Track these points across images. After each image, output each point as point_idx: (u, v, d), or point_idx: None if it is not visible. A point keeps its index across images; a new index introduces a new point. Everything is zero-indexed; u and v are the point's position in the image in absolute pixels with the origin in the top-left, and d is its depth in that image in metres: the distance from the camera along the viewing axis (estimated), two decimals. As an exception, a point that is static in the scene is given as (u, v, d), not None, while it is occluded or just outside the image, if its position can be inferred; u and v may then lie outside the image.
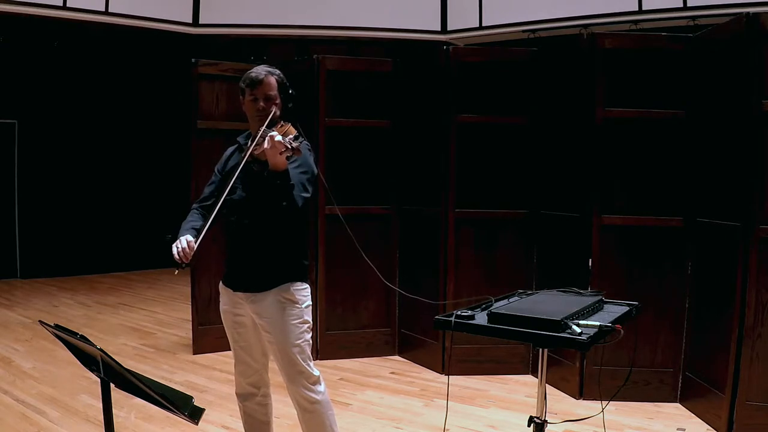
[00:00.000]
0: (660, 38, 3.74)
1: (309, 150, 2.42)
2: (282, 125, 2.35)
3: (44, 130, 8.21)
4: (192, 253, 2.24)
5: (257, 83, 2.37)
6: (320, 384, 2.49)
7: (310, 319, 2.49)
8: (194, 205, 2.54)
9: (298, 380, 2.44)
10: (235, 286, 2.46)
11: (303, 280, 2.47)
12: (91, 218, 8.59)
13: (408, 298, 4.58)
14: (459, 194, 4.26)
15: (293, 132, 2.31)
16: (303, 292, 2.45)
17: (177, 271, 2.28)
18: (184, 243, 2.25)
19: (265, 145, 2.10)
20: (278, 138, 2.09)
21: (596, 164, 3.74)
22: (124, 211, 8.87)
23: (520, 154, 4.27)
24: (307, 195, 2.32)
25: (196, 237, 2.29)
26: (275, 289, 2.38)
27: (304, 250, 2.51)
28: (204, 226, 2.31)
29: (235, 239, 2.47)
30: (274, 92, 2.38)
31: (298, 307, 2.41)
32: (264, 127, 2.28)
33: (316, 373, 2.49)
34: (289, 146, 2.08)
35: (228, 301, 2.51)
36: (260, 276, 2.40)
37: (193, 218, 2.46)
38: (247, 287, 2.42)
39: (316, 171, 2.41)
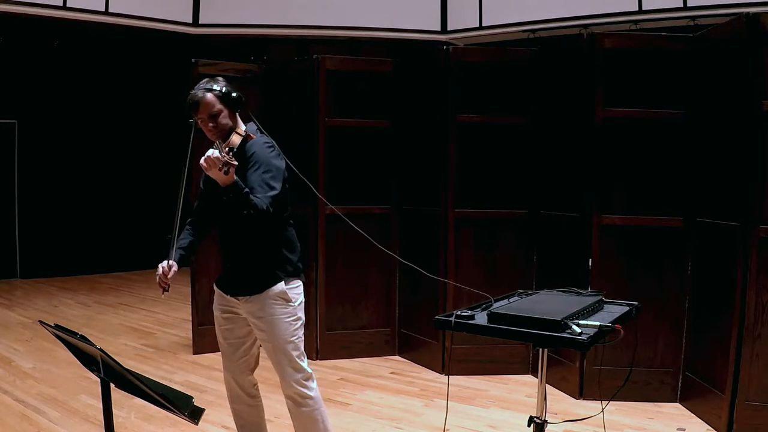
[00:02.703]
0: (660, 38, 3.74)
1: (269, 147, 2.41)
2: (233, 135, 2.37)
3: (44, 130, 8.21)
4: (168, 278, 2.34)
5: (195, 107, 2.38)
6: (313, 380, 2.54)
7: (302, 316, 2.52)
8: (188, 220, 2.63)
9: (291, 375, 2.47)
10: (227, 290, 2.52)
11: (293, 276, 2.48)
12: (92, 218, 8.59)
13: (408, 298, 4.61)
14: (459, 194, 4.26)
15: (235, 142, 2.33)
16: (295, 290, 2.47)
17: (163, 295, 2.39)
18: (160, 270, 2.34)
19: (203, 164, 2.15)
20: (215, 155, 2.13)
21: (596, 164, 3.74)
22: (124, 211, 8.87)
23: (520, 154, 4.27)
24: (274, 193, 2.30)
25: (178, 261, 2.42)
26: (266, 290, 2.41)
27: (291, 246, 2.51)
28: (174, 246, 2.43)
29: (222, 246, 2.54)
30: (216, 108, 2.37)
31: (291, 305, 2.45)
32: (218, 143, 2.31)
33: (309, 369, 2.53)
34: (222, 159, 2.11)
35: (221, 300, 2.57)
36: (250, 280, 2.44)
37: (183, 236, 2.55)
38: (240, 291, 2.47)
39: (280, 166, 2.39)
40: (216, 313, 2.59)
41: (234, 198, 2.20)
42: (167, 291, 2.36)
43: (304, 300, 2.54)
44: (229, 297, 2.51)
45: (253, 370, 2.63)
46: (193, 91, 2.41)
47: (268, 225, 2.36)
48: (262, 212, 2.23)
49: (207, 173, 2.20)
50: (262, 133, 2.51)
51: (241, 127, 2.46)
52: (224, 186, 2.18)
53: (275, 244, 2.45)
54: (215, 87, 2.40)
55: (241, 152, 2.37)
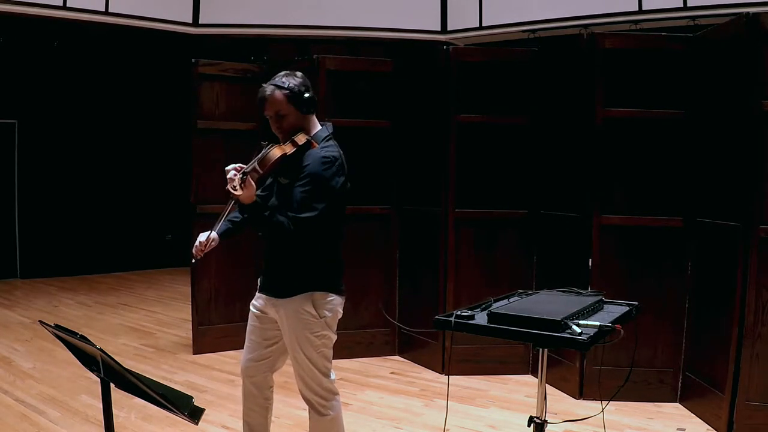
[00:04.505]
0: (660, 38, 3.74)
1: (324, 161, 2.26)
2: (273, 149, 2.27)
3: (44, 130, 8.20)
4: (203, 250, 2.38)
5: (262, 102, 2.32)
6: (334, 392, 2.46)
7: (329, 333, 2.40)
8: None
9: (310, 386, 2.42)
10: (261, 287, 2.48)
11: (328, 290, 2.36)
12: (91, 218, 8.59)
13: (408, 298, 4.60)
14: (459, 194, 4.26)
15: (275, 156, 2.23)
16: (326, 306, 2.36)
17: (193, 260, 2.42)
18: (203, 238, 2.37)
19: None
20: (229, 174, 2.14)
21: (596, 164, 3.74)
22: (124, 210, 8.87)
23: (520, 154, 4.27)
24: (309, 215, 2.20)
25: (222, 233, 2.42)
26: (295, 297, 2.33)
27: (329, 259, 2.39)
28: (223, 217, 2.39)
29: (267, 241, 2.46)
30: (283, 110, 2.29)
31: (315, 321, 2.34)
32: (287, 140, 2.31)
33: (333, 377, 2.45)
34: (231, 183, 2.11)
35: (258, 296, 2.51)
36: (281, 282, 2.37)
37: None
38: (269, 291, 2.42)
39: (331, 182, 2.26)
40: (251, 308, 2.52)
41: (250, 218, 2.20)
42: (197, 260, 2.41)
43: (339, 315, 2.42)
44: (262, 294, 2.46)
45: (273, 372, 2.57)
46: (263, 86, 2.32)
47: (311, 233, 2.29)
48: (282, 235, 2.19)
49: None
50: (327, 140, 2.37)
51: (309, 131, 2.36)
52: (242, 203, 2.17)
53: (312, 254, 2.33)
54: (287, 84, 2.28)
55: (298, 161, 2.28)
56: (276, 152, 2.24)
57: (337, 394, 2.48)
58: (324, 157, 2.28)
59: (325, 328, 2.38)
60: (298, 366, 2.40)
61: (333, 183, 2.28)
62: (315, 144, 2.33)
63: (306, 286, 2.34)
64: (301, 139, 2.30)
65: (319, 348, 2.38)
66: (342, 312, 2.45)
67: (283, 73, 2.35)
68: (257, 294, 2.51)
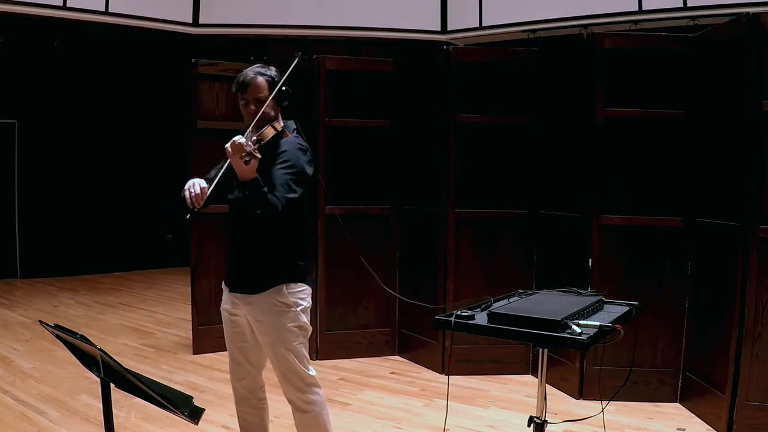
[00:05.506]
0: (660, 38, 3.74)
1: (300, 149, 2.36)
2: (267, 127, 2.33)
3: (44, 130, 8.21)
4: (204, 200, 2.21)
5: (245, 86, 2.36)
6: (316, 386, 2.48)
7: (306, 321, 2.44)
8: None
9: (293, 382, 2.43)
10: (231, 286, 2.47)
11: (299, 281, 2.41)
12: (91, 218, 8.59)
13: (408, 298, 4.60)
14: (459, 194, 4.26)
15: (267, 135, 2.30)
16: (299, 295, 2.41)
17: (188, 216, 2.27)
18: (198, 188, 2.22)
19: (229, 149, 2.12)
20: (240, 140, 2.10)
21: (596, 164, 3.74)
22: (124, 210, 8.87)
23: (520, 154, 4.27)
24: (293, 195, 2.25)
25: (209, 185, 2.27)
26: (269, 291, 2.35)
27: (300, 250, 2.46)
28: (214, 179, 2.30)
29: (232, 238, 2.48)
30: (264, 94, 2.35)
31: (292, 311, 2.37)
32: (250, 130, 2.31)
33: (312, 373, 2.47)
34: (247, 149, 2.08)
35: (227, 299, 2.51)
36: (254, 277, 2.38)
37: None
38: (241, 288, 2.42)
39: (307, 170, 2.35)
40: (223, 313, 2.53)
41: (250, 195, 2.16)
42: (195, 212, 2.20)
43: (310, 305, 2.46)
44: (232, 296, 2.46)
45: (261, 370, 2.58)
46: (244, 72, 2.38)
47: (279, 225, 2.30)
48: (275, 213, 2.20)
49: (230, 159, 2.15)
50: (299, 134, 2.46)
51: (280, 122, 2.43)
52: (242, 179, 2.14)
53: (283, 246, 2.39)
54: (269, 73, 2.39)
55: (273, 146, 2.34)
56: (270, 131, 2.33)
57: (318, 387, 2.49)
58: (300, 144, 2.39)
59: (301, 317, 2.41)
60: (278, 363, 2.41)
61: (307, 169, 2.36)
62: (288, 133, 2.42)
63: (278, 278, 2.37)
64: (278, 126, 2.39)
65: (298, 338, 2.41)
66: (311, 302, 2.49)
67: (258, 64, 2.44)
68: (226, 296, 2.51)
